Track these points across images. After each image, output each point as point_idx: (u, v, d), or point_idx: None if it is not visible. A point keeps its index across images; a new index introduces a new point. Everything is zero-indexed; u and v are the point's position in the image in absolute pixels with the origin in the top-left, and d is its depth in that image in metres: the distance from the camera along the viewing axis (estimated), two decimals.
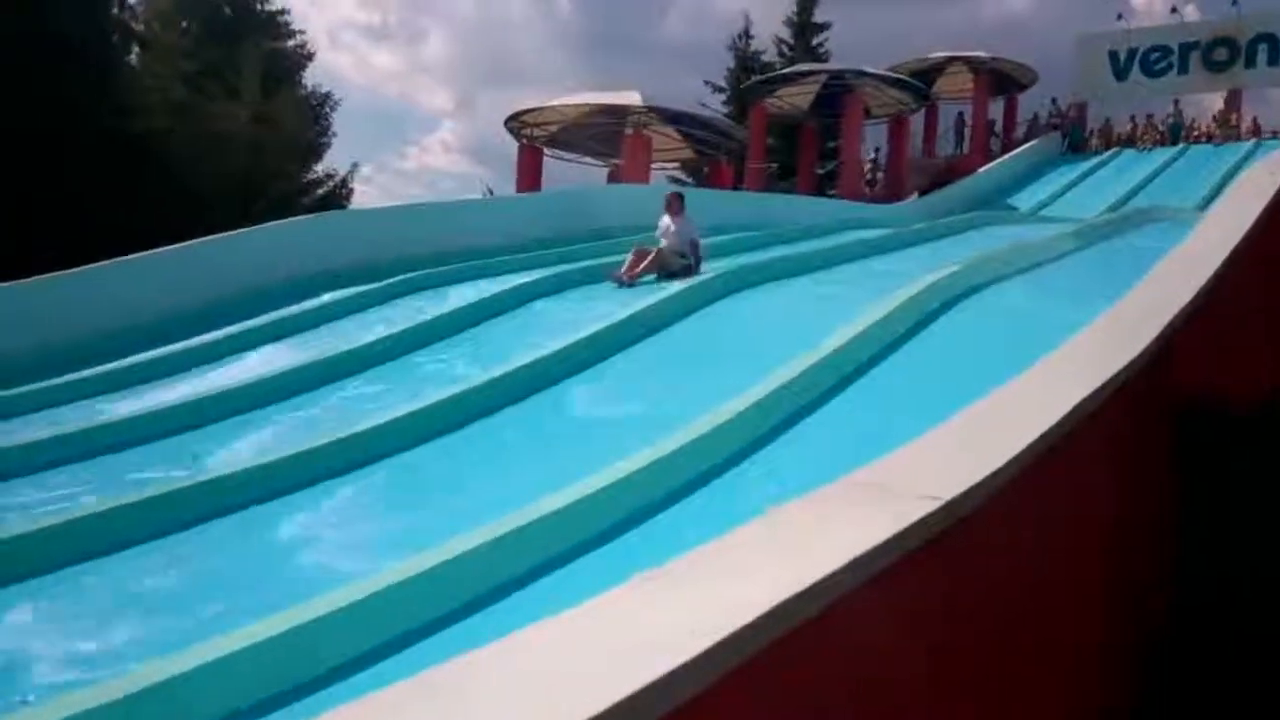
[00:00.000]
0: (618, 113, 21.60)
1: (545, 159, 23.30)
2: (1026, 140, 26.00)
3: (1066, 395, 3.04)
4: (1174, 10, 26.21)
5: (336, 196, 27.90)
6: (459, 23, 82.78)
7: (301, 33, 29.91)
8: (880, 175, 25.07)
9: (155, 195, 19.30)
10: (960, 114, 27.45)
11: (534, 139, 22.89)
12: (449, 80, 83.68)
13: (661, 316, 7.51)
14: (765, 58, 33.33)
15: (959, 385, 3.93)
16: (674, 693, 1.33)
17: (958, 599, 2.43)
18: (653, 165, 22.93)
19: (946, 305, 7.23)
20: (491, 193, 29.07)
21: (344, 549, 4.25)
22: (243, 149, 22.69)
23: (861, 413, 5.31)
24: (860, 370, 5.90)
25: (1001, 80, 27.01)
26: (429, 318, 8.07)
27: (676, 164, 27.85)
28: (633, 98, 21.51)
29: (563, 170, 24.87)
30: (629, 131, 21.47)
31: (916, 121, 26.44)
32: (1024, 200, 21.79)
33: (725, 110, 31.22)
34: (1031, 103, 27.97)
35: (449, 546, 3.67)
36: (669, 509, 4.27)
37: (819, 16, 33.64)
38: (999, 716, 2.74)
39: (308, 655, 3.10)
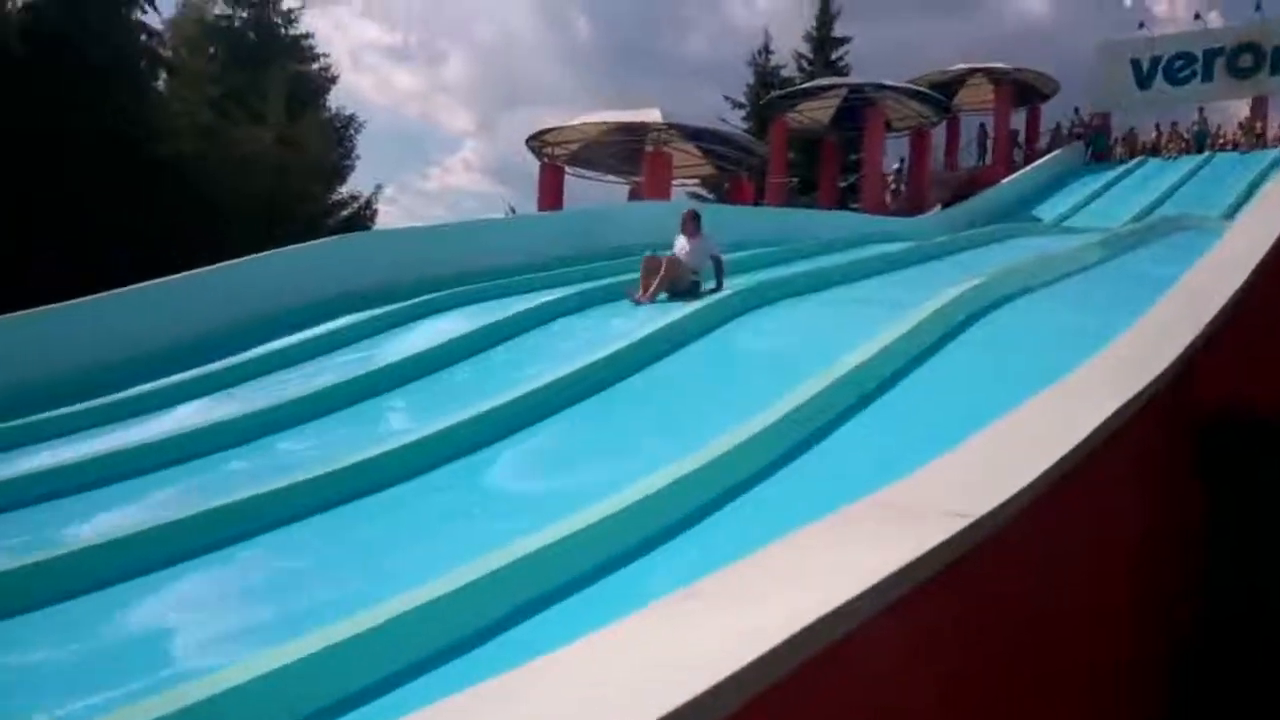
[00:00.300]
0: (638, 130, 21.67)
1: (566, 178, 23.40)
2: (1050, 151, 25.86)
3: (1093, 411, 3.02)
4: (1197, 17, 26.11)
5: (361, 218, 28.16)
6: (479, 43, 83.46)
7: (325, 56, 30.31)
8: (903, 188, 25.00)
9: (183, 220, 19.56)
10: (982, 125, 27.36)
11: (555, 158, 22.99)
12: (470, 101, 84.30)
13: (681, 334, 7.49)
14: (785, 73, 33.39)
15: (983, 402, 3.91)
16: (706, 713, 1.33)
17: (984, 617, 2.40)
18: (673, 182, 22.96)
19: (970, 320, 7.19)
20: (514, 212, 29.23)
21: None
22: (268, 172, 22.95)
23: (884, 431, 5.27)
24: (883, 387, 5.87)
25: (1023, 91, 26.91)
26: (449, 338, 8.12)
27: (697, 180, 27.89)
28: (653, 115, 21.58)
29: (584, 188, 24.98)
30: (649, 149, 21.53)
31: (938, 134, 26.36)
32: (1048, 211, 21.66)
33: (745, 126, 31.25)
34: (1054, 113, 27.87)
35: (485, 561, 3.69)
36: (690, 529, 4.26)
37: (838, 31, 33.70)
38: None
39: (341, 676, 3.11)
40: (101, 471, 5.77)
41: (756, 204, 23.14)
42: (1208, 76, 24.99)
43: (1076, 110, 27.04)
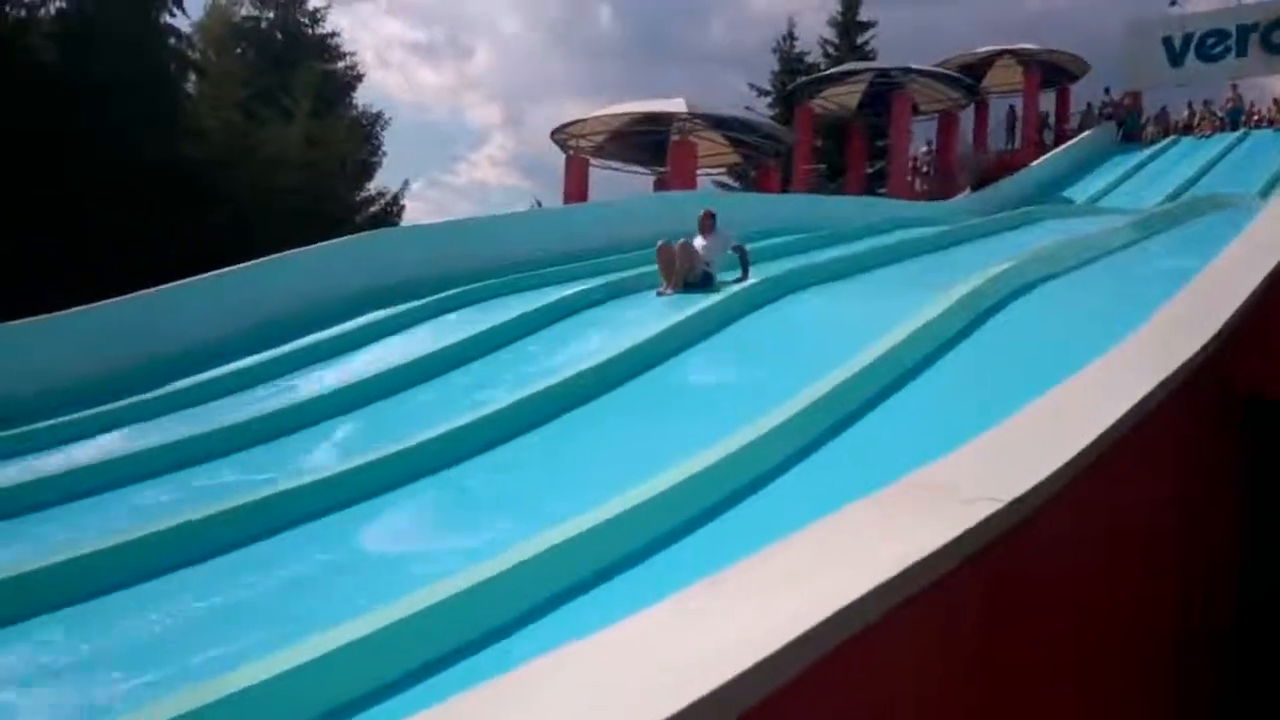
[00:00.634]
0: (663, 120, 21.63)
1: (592, 169, 23.41)
2: (1080, 132, 25.53)
3: (1129, 391, 3.00)
4: None
5: (388, 214, 28.32)
6: (504, 38, 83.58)
7: (351, 54, 30.47)
8: (932, 171, 24.77)
9: (215, 221, 19.73)
10: (1011, 108, 27.04)
11: (580, 150, 23.00)
12: (496, 95, 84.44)
13: (709, 322, 7.50)
14: (810, 59, 33.18)
15: (1016, 384, 3.89)
16: (724, 707, 1.34)
17: (1022, 599, 2.40)
18: (699, 171, 22.91)
19: (1002, 303, 7.13)
20: (540, 205, 29.27)
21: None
22: (296, 171, 23.13)
23: (919, 414, 5.25)
24: (916, 370, 5.85)
25: (1052, 72, 26.58)
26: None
27: (723, 169, 27.79)
28: (677, 105, 21.53)
29: (610, 180, 24.98)
30: (675, 139, 21.49)
31: (966, 117, 26.11)
32: (1079, 192, 21.40)
33: (771, 113, 31.09)
34: (1084, 94, 27.51)
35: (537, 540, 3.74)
36: (730, 510, 4.27)
37: (863, 15, 33.45)
38: (1079, 713, 2.70)
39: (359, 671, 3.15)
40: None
41: (783, 191, 23.04)
42: (1241, 52, 24.54)
43: (1107, 90, 26.68)
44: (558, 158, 23.30)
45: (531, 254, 11.32)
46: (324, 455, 5.97)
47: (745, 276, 8.92)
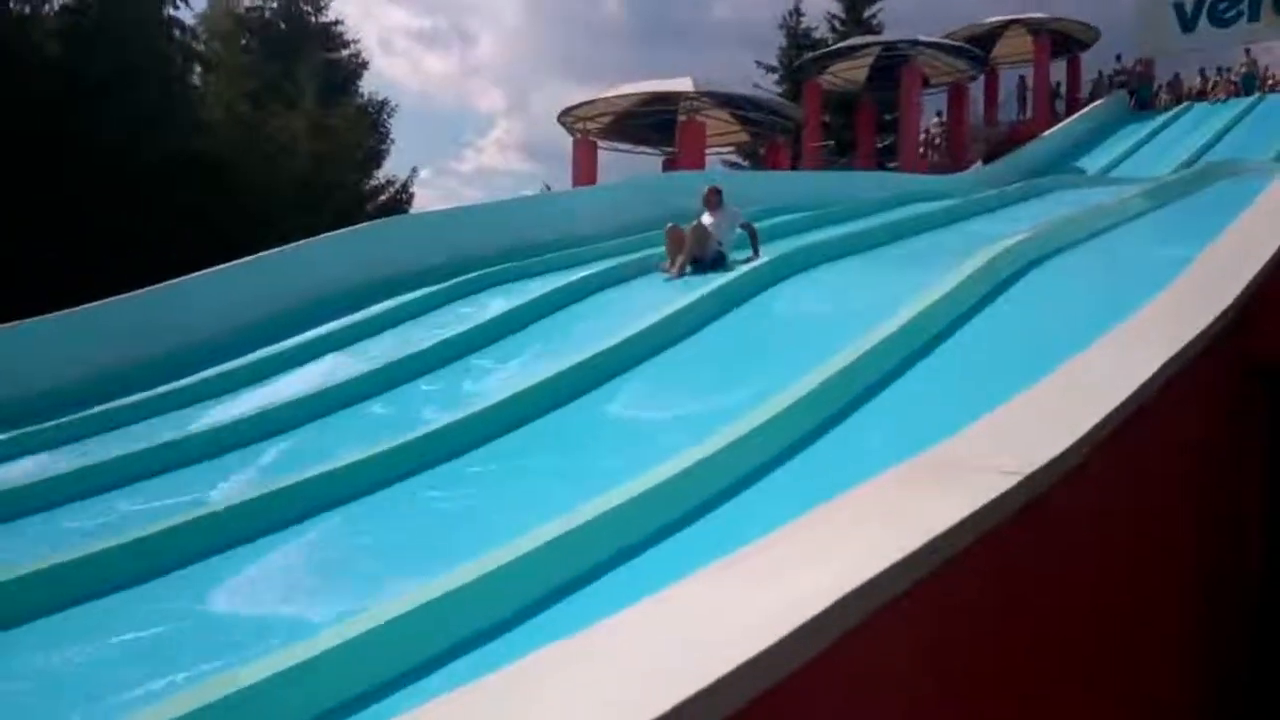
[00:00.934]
0: (670, 100, 21.52)
1: (600, 151, 23.33)
2: (1092, 101, 25.28)
3: (1147, 360, 2.96)
4: None
5: (397, 202, 28.33)
6: (508, 22, 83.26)
7: (355, 42, 30.42)
8: (943, 143, 24.58)
9: (224, 212, 19.78)
10: (1021, 78, 26.79)
11: (588, 132, 22.92)
12: (501, 80, 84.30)
13: (720, 303, 7.45)
14: (817, 34, 32.91)
15: (1033, 356, 3.86)
16: (747, 685, 1.32)
17: (1045, 574, 2.38)
18: (708, 151, 22.79)
19: (1016, 275, 7.08)
20: (548, 189, 29.21)
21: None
22: (304, 161, 23.14)
23: (934, 388, 5.22)
24: (930, 345, 5.81)
25: (1062, 40, 26.30)
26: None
27: (732, 148, 27.66)
28: (684, 84, 21.41)
29: (619, 161, 24.91)
30: (682, 118, 21.39)
31: (976, 89, 25.88)
32: (1092, 162, 21.22)
33: (779, 90, 30.90)
34: (1096, 62, 27.22)
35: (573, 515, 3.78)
36: (747, 489, 4.26)
37: None
38: (1096, 692, 2.69)
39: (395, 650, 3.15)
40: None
41: (793, 168, 22.92)
42: (1254, 16, 24.20)
43: (1119, 58, 26.40)
44: (565, 141, 23.26)
45: (540, 238, 11.29)
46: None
47: (756, 255, 8.85)
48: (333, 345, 8.37)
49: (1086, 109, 24.43)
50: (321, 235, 10.66)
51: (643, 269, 9.15)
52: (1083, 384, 2.93)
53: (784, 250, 8.82)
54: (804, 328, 7.15)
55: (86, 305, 8.73)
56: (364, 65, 30.30)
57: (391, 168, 30.19)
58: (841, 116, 28.53)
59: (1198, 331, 3.38)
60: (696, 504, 4.10)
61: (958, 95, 24.49)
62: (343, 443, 5.59)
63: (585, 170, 22.54)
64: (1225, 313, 3.71)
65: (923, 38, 23.19)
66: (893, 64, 23.17)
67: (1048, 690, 2.43)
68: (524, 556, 3.55)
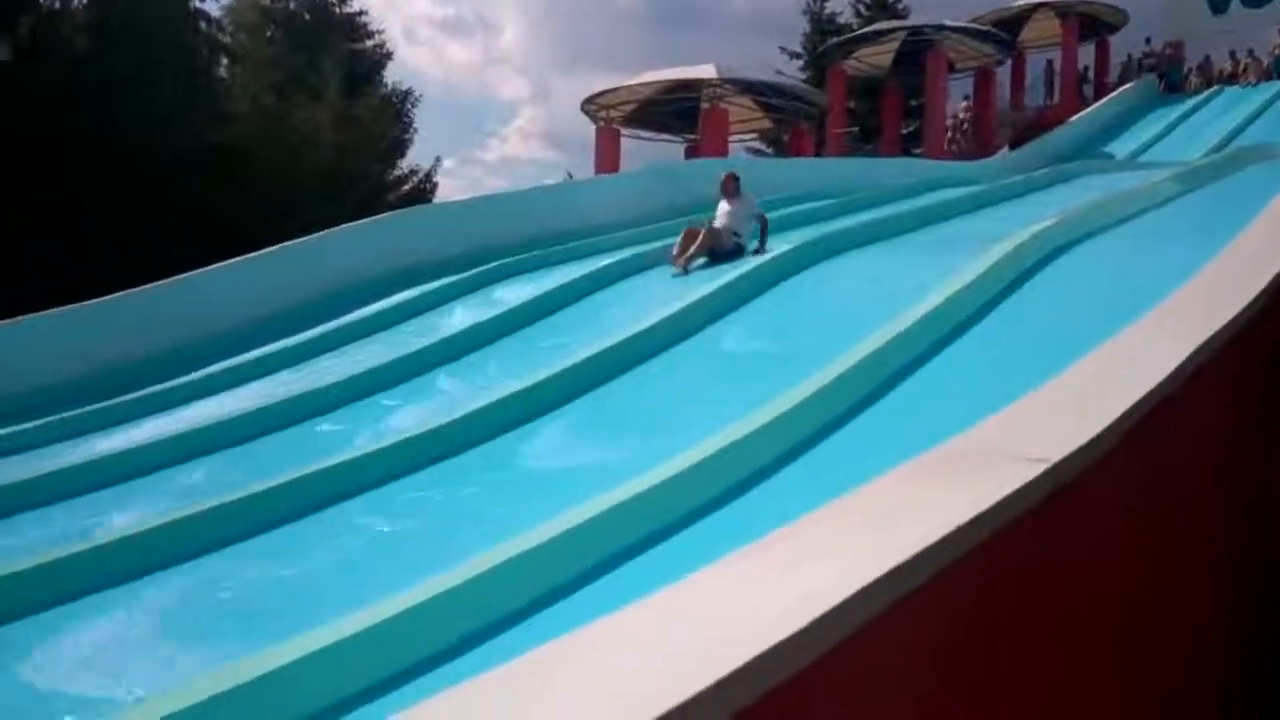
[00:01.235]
0: (693, 87, 21.45)
1: (624, 139, 23.30)
2: (1120, 85, 24.93)
3: (1177, 347, 2.92)
4: None
5: (421, 192, 28.42)
6: (531, 10, 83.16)
7: (379, 32, 30.49)
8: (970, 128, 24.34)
9: (250, 202, 19.91)
10: (1049, 62, 26.46)
11: (611, 120, 22.89)
12: (525, 69, 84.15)
13: (742, 292, 7.42)
14: (842, 19, 32.69)
15: (1061, 343, 3.83)
16: (759, 679, 1.31)
17: (1069, 565, 2.36)
18: (731, 138, 22.71)
19: (1044, 261, 7.01)
20: (571, 177, 29.19)
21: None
22: (328, 151, 23.25)
23: (962, 375, 5.19)
24: (955, 333, 5.77)
25: (1090, 24, 25.93)
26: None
27: (755, 135, 27.53)
28: (707, 71, 21.33)
29: (642, 149, 24.86)
30: (705, 105, 21.31)
31: (1003, 74, 25.59)
32: (1121, 147, 20.94)
33: (803, 76, 30.72)
34: (1124, 45, 26.83)
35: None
36: (767, 480, 4.25)
37: None
38: (1122, 683, 2.67)
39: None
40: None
41: (817, 155, 22.79)
42: None
43: (1148, 41, 26.01)
44: (588, 129, 23.24)
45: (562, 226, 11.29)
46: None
47: (762, 248, 8.75)
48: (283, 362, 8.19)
49: (1115, 93, 24.10)
50: (342, 226, 10.71)
51: (657, 260, 9.12)
52: (1110, 372, 2.90)
53: (809, 237, 8.78)
54: (829, 315, 7.12)
55: (99, 299, 8.82)
56: (388, 55, 30.44)
57: (415, 158, 30.30)
58: (866, 102, 28.33)
59: (1227, 319, 3.33)
60: (719, 492, 4.09)
61: (984, 80, 24.23)
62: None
63: (608, 158, 22.51)
64: (1255, 300, 3.65)
65: (949, 22, 22.97)
66: (918, 49, 22.98)
67: (1075, 679, 2.42)
68: (580, 526, 3.59)
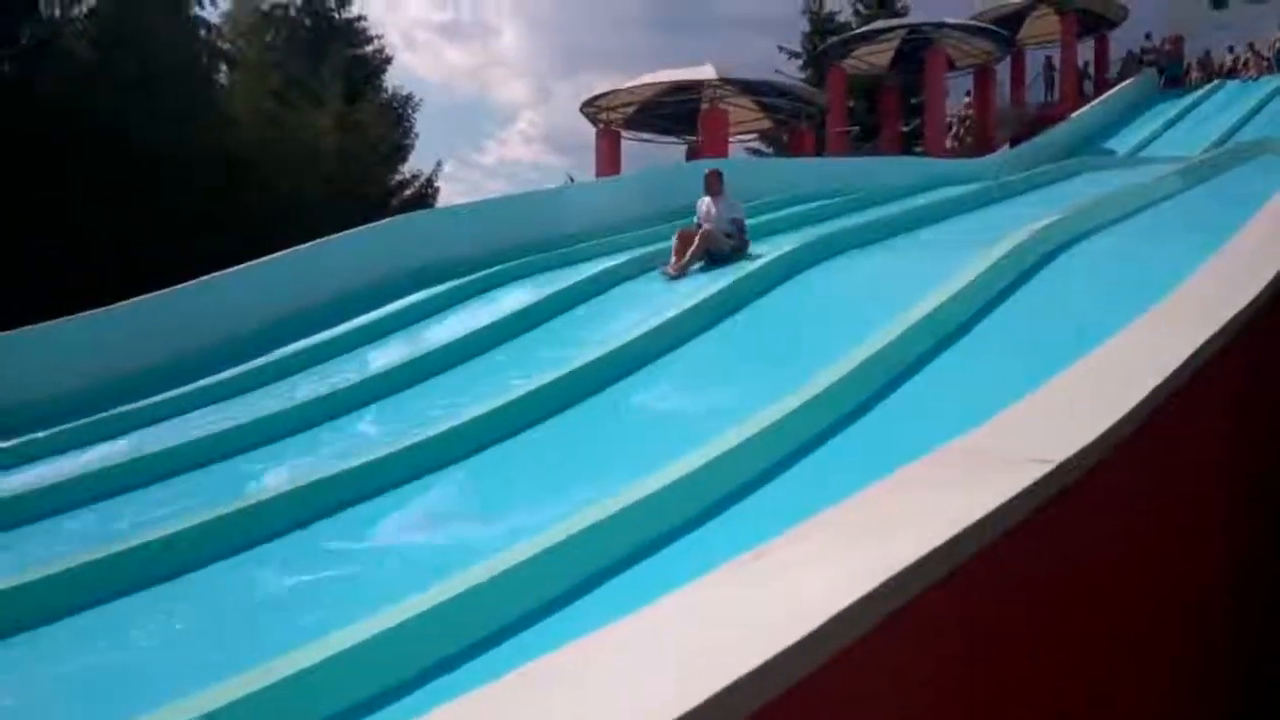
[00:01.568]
0: (693, 89, 21.45)
1: (624, 141, 23.30)
2: (1120, 80, 24.89)
3: (1182, 344, 2.91)
4: None
5: (423, 196, 28.42)
6: (530, 13, 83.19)
7: (379, 37, 30.49)
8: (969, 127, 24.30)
9: (253, 209, 19.93)
10: (1048, 59, 26.44)
11: (611, 123, 22.89)
12: (524, 72, 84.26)
13: (741, 294, 7.41)
14: (841, 18, 32.66)
15: (1064, 342, 3.82)
16: (758, 689, 1.31)
17: (1074, 564, 2.35)
18: (732, 138, 22.70)
19: (1045, 259, 7.00)
20: (572, 180, 29.20)
21: None
22: (331, 156, 23.26)
23: (964, 375, 5.18)
24: (956, 333, 5.76)
25: (1090, 19, 25.90)
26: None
27: (755, 135, 27.52)
28: (707, 72, 21.33)
29: (643, 151, 24.87)
30: (705, 106, 21.31)
31: (1002, 71, 25.56)
32: (1122, 143, 20.91)
33: (802, 76, 30.70)
34: (1125, 41, 26.80)
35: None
36: (767, 484, 4.25)
37: None
38: (1122, 683, 2.66)
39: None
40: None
41: (817, 154, 22.78)
42: None
43: (1148, 36, 25.97)
44: (588, 132, 23.24)
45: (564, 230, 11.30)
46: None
47: (743, 251, 8.78)
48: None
49: (1115, 89, 24.07)
50: (346, 231, 10.72)
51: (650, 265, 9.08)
52: (1114, 370, 2.89)
53: (809, 238, 8.78)
54: (828, 316, 7.11)
55: (103, 309, 8.84)
56: (388, 60, 30.40)
57: (415, 162, 30.26)
58: (866, 101, 28.33)
59: (1230, 316, 3.32)
60: (720, 496, 4.09)
61: (984, 77, 24.20)
62: None
63: (608, 161, 22.52)
64: (1258, 296, 3.64)
65: (948, 20, 22.94)
66: (917, 47, 22.96)
67: (1077, 684, 2.41)
68: (579, 534, 3.61)
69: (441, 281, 9.66)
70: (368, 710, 2.93)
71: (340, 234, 10.53)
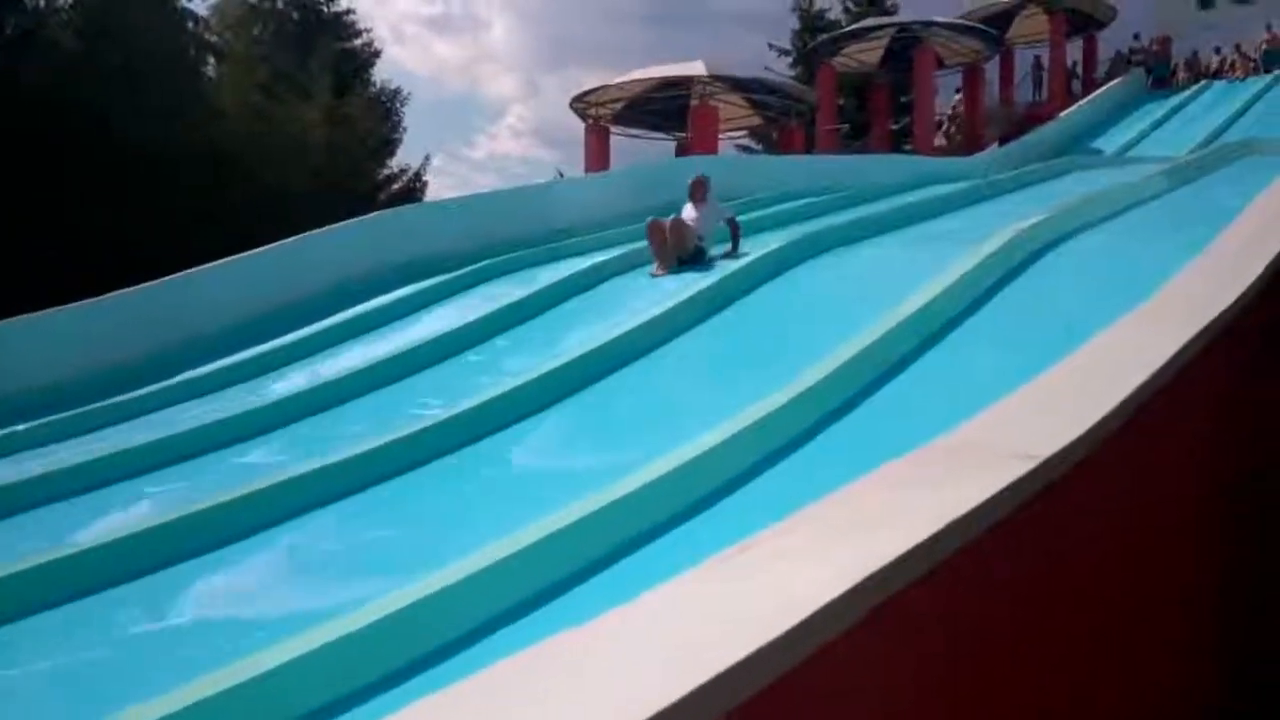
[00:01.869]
0: (683, 85, 21.44)
1: (613, 137, 23.26)
2: (1109, 80, 24.98)
3: (1168, 341, 2.92)
4: None
5: (412, 190, 28.33)
6: (520, 7, 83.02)
7: (368, 30, 30.38)
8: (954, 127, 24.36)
9: (241, 203, 19.83)
10: (1036, 58, 26.51)
11: (600, 118, 22.85)
12: (514, 66, 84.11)
13: (728, 292, 7.39)
14: (831, 16, 32.68)
15: (1051, 339, 3.83)
16: (744, 683, 1.30)
17: (1057, 561, 2.36)
18: (721, 135, 22.69)
19: (1033, 257, 7.02)
20: (561, 175, 29.15)
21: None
22: (319, 150, 23.17)
23: (950, 372, 5.19)
24: (944, 330, 5.77)
25: (1078, 19, 25.98)
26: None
27: (745, 132, 27.52)
28: (697, 68, 21.31)
29: (632, 147, 24.83)
30: (694, 103, 21.30)
31: (991, 70, 25.61)
32: (1109, 142, 20.98)
33: (792, 74, 30.71)
34: (1113, 41, 26.90)
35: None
36: (754, 480, 4.25)
37: None
38: (1103, 682, 2.66)
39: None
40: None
41: (807, 152, 22.79)
42: None
43: (1136, 36, 26.07)
44: (578, 127, 23.19)
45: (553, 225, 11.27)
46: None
47: (734, 250, 8.68)
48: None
49: (1103, 88, 24.15)
50: (331, 226, 10.65)
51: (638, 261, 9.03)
52: (1100, 367, 2.90)
53: (796, 235, 8.77)
54: (815, 313, 7.11)
55: (88, 300, 8.75)
56: (376, 54, 30.31)
57: (404, 156, 30.21)
58: (856, 99, 28.36)
59: (1215, 314, 3.33)
60: (705, 493, 4.08)
61: (973, 76, 24.25)
62: None
63: (598, 156, 22.49)
64: (1243, 295, 3.66)
65: (937, 19, 22.97)
66: (907, 45, 22.98)
67: (1060, 679, 2.41)
68: (563, 530, 3.59)
69: (428, 277, 9.61)
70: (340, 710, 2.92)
71: (325, 228, 10.47)
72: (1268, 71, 23.43)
